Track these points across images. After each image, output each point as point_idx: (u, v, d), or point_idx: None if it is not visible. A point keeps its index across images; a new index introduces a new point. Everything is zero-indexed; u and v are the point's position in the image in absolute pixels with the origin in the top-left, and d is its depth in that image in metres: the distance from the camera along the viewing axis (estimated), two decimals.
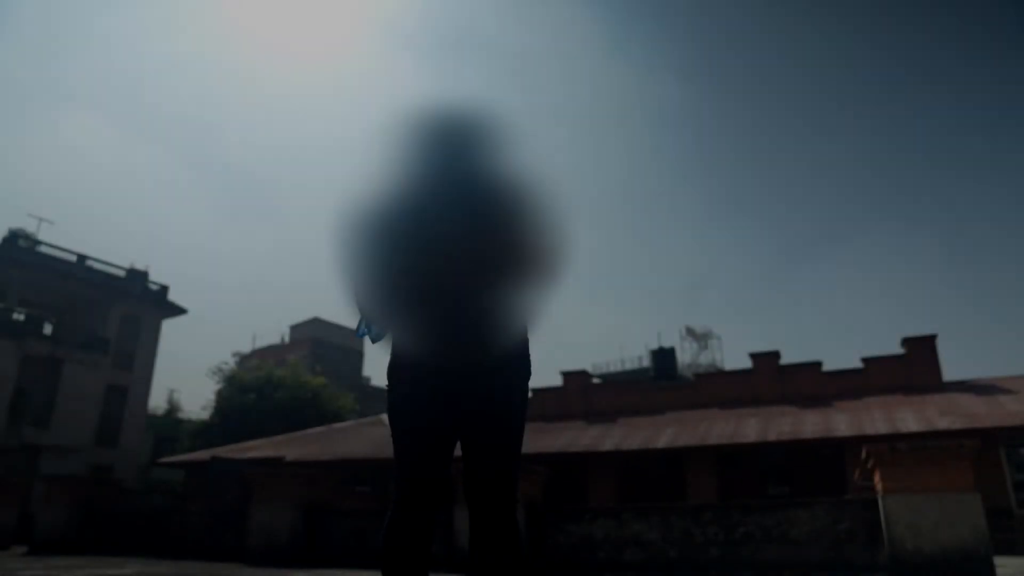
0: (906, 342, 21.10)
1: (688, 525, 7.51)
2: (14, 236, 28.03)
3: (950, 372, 20.58)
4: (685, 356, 57.89)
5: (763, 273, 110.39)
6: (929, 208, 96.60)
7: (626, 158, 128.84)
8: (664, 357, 34.82)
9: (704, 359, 60.59)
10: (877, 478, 6.76)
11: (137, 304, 31.08)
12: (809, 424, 18.39)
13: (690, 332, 61.37)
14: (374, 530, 9.28)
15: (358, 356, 53.67)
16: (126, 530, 11.69)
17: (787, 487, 20.00)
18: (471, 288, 1.98)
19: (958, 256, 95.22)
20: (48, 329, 28.43)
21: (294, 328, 57.14)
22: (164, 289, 32.11)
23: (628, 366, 52.79)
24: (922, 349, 20.73)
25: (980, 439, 15.62)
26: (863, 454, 7.12)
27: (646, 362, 45.45)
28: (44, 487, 12.82)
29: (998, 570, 8.36)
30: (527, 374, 2.12)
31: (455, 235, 1.98)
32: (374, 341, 2.25)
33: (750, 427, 19.07)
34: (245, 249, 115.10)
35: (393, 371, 2.09)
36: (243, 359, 52.99)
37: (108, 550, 11.28)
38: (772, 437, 17.91)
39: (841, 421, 18.08)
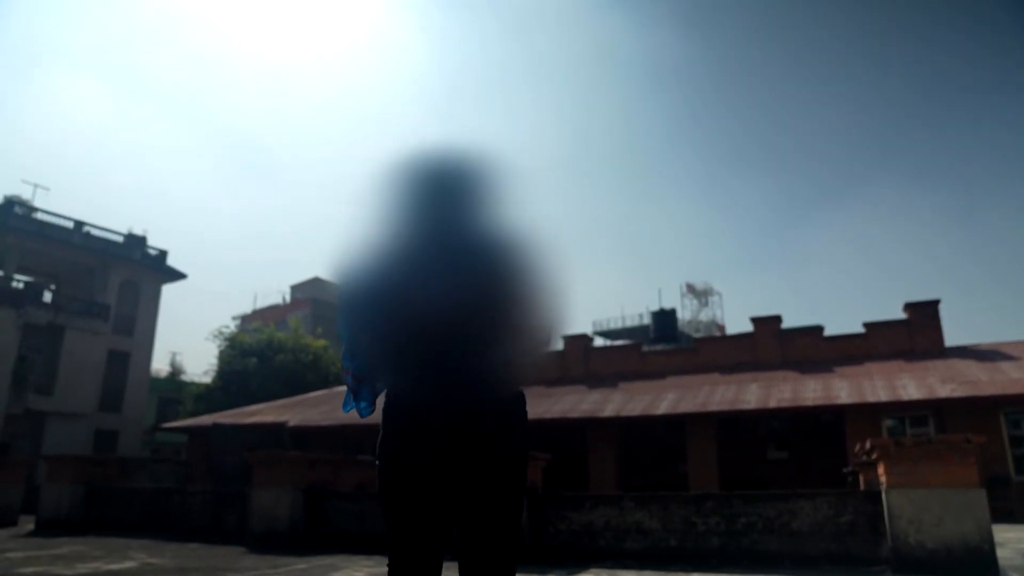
0: (908, 307, 21.01)
1: (689, 514, 7.49)
2: (10, 203, 27.78)
3: (953, 334, 20.65)
4: (686, 313, 58.32)
5: (764, 230, 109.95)
6: (932, 163, 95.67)
7: (624, 113, 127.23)
8: (664, 318, 34.93)
9: (705, 316, 60.97)
10: (881, 471, 6.71)
11: (136, 269, 30.97)
12: (810, 391, 18.40)
13: (691, 289, 61.65)
14: (374, 513, 9.30)
15: None
16: (129, 508, 11.77)
17: (787, 452, 20.19)
18: (466, 348, 1.86)
19: (961, 214, 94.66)
20: (48, 296, 28.37)
21: (295, 288, 57.27)
22: (163, 254, 31.97)
23: (629, 323, 53.04)
24: (924, 315, 20.65)
25: (981, 408, 15.71)
26: (867, 445, 7.06)
27: (647, 320, 45.61)
28: (47, 466, 12.89)
29: (1002, 542, 8.41)
30: (525, 444, 2.01)
31: (450, 293, 1.85)
32: (363, 415, 2.18)
33: (751, 393, 19.10)
34: (246, 209, 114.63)
35: (384, 447, 1.97)
36: (244, 320, 53.27)
37: (112, 528, 11.37)
38: (773, 404, 17.95)
39: (842, 388, 18.08)
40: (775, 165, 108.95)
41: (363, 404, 2.13)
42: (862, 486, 10.81)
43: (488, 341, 1.87)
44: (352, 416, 2.23)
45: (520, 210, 2.01)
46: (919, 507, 6.31)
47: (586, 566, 7.37)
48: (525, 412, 2.01)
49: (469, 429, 1.86)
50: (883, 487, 6.64)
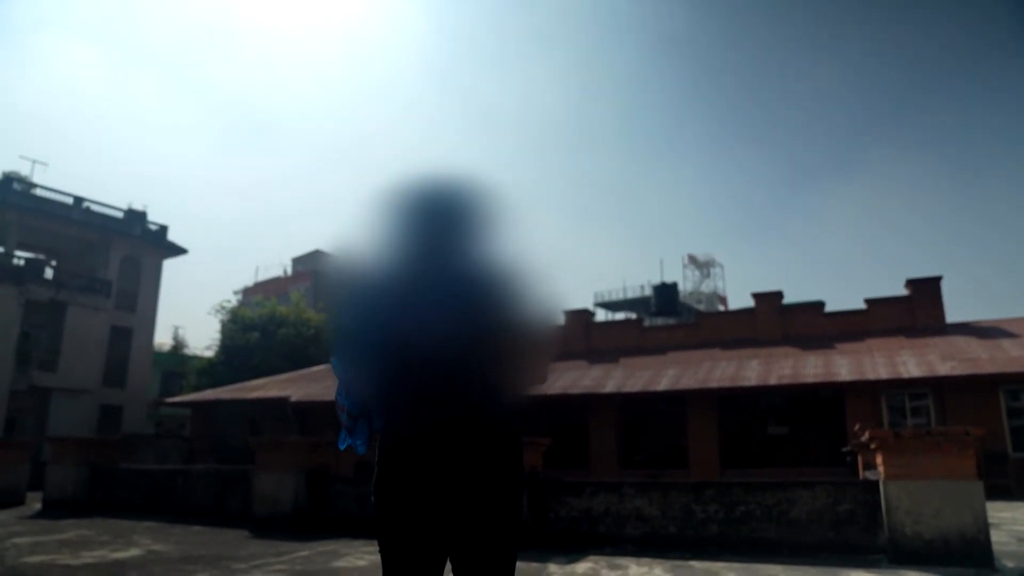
0: (910, 284, 20.97)
1: (688, 502, 7.55)
2: (8, 179, 27.63)
3: (956, 309, 20.65)
4: (687, 284, 58.26)
5: (766, 201, 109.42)
6: (935, 135, 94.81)
7: (627, 80, 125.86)
8: (666, 291, 34.96)
9: (706, 287, 60.91)
10: (879, 461, 6.74)
11: (137, 245, 30.95)
12: (810, 367, 18.47)
13: (692, 260, 61.43)
14: None
15: None
16: (134, 489, 11.89)
17: (787, 428, 20.30)
18: (461, 382, 1.86)
19: (965, 186, 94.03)
20: (49, 273, 28.37)
21: (296, 260, 57.14)
22: (163, 229, 31.90)
23: (631, 295, 53.01)
24: (926, 291, 20.63)
25: (980, 385, 15.75)
26: (866, 435, 7.08)
27: (649, 292, 45.61)
28: (51, 447, 12.99)
29: (997, 523, 8.48)
30: (520, 479, 2.00)
31: (444, 326, 1.84)
32: (358, 452, 2.18)
33: (751, 370, 19.17)
34: (246, 182, 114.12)
35: (381, 484, 1.97)
36: (245, 292, 53.27)
37: (117, 510, 11.49)
38: (773, 381, 18.02)
39: (842, 365, 18.13)
40: (778, 134, 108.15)
41: (358, 441, 2.12)
42: (860, 467, 10.90)
43: (483, 375, 1.87)
44: None
45: (514, 241, 2.00)
46: (917, 499, 6.35)
47: (586, 552, 7.45)
48: (521, 446, 2.01)
49: (465, 466, 1.86)
50: (881, 478, 6.68)
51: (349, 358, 2.02)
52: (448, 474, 1.84)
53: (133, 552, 7.46)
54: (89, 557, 7.11)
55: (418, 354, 1.83)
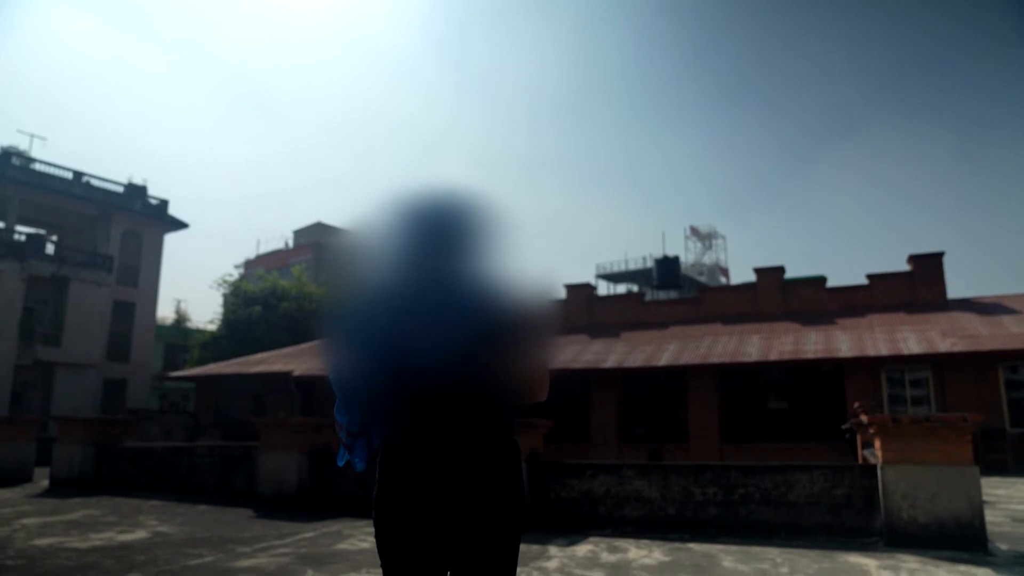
0: (912, 259, 20.94)
1: (688, 484, 7.63)
2: (7, 154, 27.50)
3: (958, 283, 20.74)
4: (689, 256, 58.22)
5: (768, 172, 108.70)
6: (940, 103, 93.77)
7: (630, 50, 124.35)
8: (668, 265, 34.96)
9: (708, 259, 60.83)
10: (878, 446, 6.79)
11: (138, 220, 30.93)
12: (811, 343, 18.52)
13: (695, 232, 61.28)
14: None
15: None
16: (140, 468, 12.02)
17: (787, 402, 20.40)
18: (461, 397, 1.88)
19: (970, 155, 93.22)
20: (50, 248, 28.39)
21: (297, 233, 57.12)
22: (164, 204, 31.82)
23: (632, 267, 53.01)
24: (928, 267, 20.60)
25: (980, 362, 15.79)
26: (865, 419, 7.12)
27: (651, 264, 45.61)
28: (57, 427, 13.11)
29: (992, 501, 8.57)
30: (520, 494, 2.03)
31: (444, 341, 1.85)
32: (357, 469, 2.19)
33: (752, 345, 19.22)
34: (247, 153, 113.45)
35: (381, 500, 1.99)
36: (247, 265, 53.34)
37: (123, 488, 11.65)
38: (774, 357, 18.08)
39: (843, 341, 18.17)
40: (781, 106, 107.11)
41: (357, 459, 2.13)
42: (859, 445, 10.98)
43: (483, 388, 1.88)
44: None
45: (513, 251, 2.00)
46: (914, 483, 6.42)
47: (586, 533, 7.55)
48: (519, 460, 2.03)
49: (466, 482, 1.88)
50: (879, 462, 6.74)
51: (348, 374, 2.02)
52: (449, 491, 1.86)
53: (139, 534, 7.57)
54: (97, 539, 7.22)
55: (417, 366, 1.84)
